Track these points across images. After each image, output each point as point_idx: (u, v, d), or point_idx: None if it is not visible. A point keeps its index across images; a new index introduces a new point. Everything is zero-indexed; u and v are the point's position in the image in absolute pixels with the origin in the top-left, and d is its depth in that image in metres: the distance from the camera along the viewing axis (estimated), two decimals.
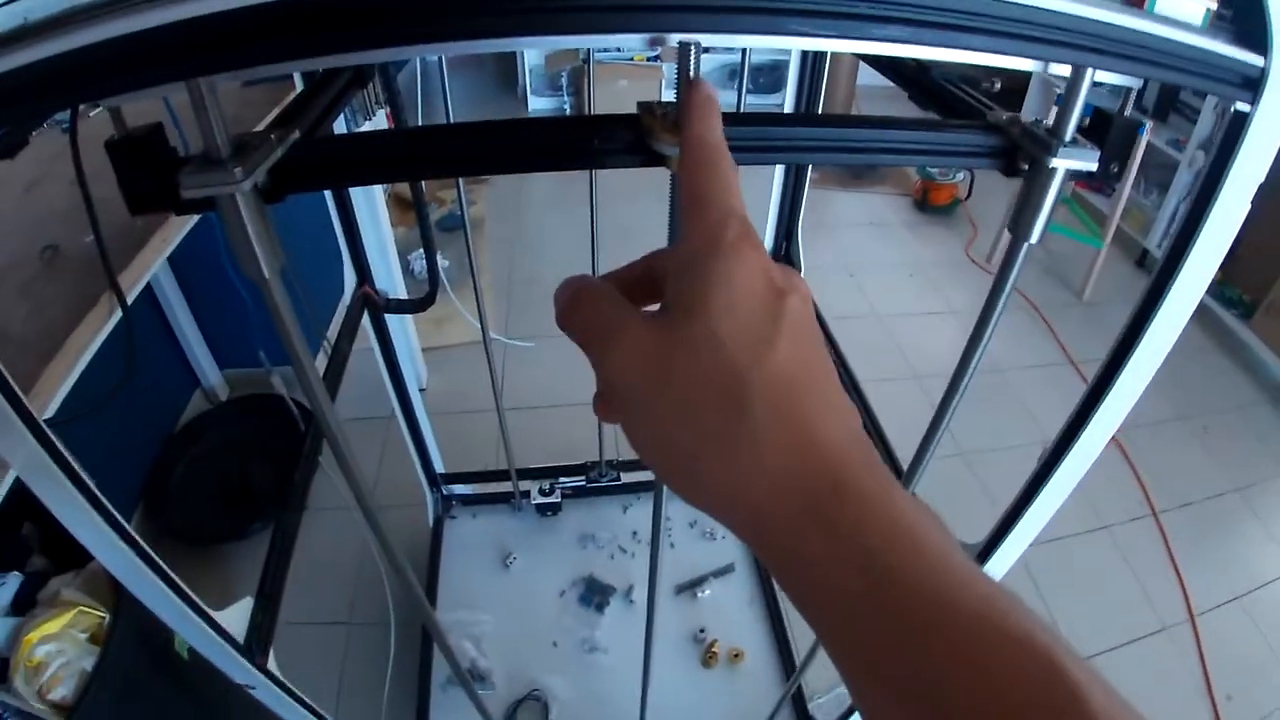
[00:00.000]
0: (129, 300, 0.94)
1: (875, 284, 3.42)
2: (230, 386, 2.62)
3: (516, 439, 1.87)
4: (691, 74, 0.37)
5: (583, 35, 0.35)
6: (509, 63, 5.19)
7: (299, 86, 0.94)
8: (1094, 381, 0.69)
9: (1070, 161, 0.46)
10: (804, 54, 1.26)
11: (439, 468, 2.02)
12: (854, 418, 0.29)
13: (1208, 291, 0.58)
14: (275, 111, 1.19)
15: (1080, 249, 3.33)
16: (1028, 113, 0.64)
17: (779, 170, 1.43)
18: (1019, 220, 0.49)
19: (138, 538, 0.63)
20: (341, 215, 1.33)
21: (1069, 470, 0.74)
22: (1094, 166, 0.47)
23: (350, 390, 1.34)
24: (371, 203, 1.49)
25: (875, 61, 0.71)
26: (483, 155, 0.46)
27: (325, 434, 0.58)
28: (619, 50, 4.72)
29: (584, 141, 0.44)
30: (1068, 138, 0.46)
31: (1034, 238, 0.50)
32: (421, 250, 2.61)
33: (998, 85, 0.61)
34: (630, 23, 0.34)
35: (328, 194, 1.30)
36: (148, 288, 2.21)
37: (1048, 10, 0.37)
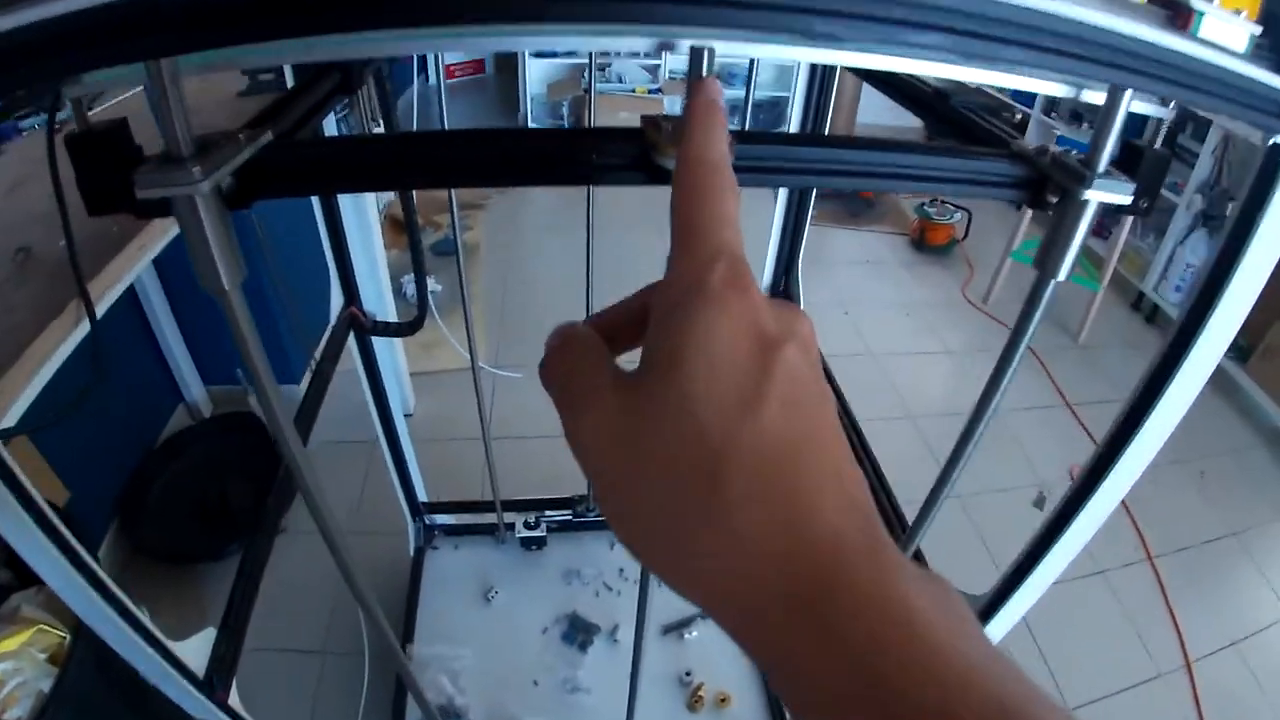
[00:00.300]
0: (102, 309, 0.90)
1: (871, 322, 3.40)
2: (214, 403, 2.56)
3: (503, 470, 1.82)
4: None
5: (584, 26, 0.31)
6: (510, 90, 5.22)
7: None
8: (1106, 442, 0.65)
9: (1104, 194, 0.42)
10: (810, 79, 1.23)
11: (422, 496, 1.97)
12: (858, 486, 0.25)
13: None
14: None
15: (1077, 291, 3.33)
16: None
17: (780, 204, 1.40)
18: (1047, 256, 0.46)
19: (89, 559, 0.59)
20: (331, 232, 1.29)
21: (1079, 531, 0.71)
22: (1128, 199, 0.44)
23: (335, 411, 1.30)
24: (364, 221, 1.46)
25: (890, 85, 0.68)
26: (471, 164, 0.42)
27: (288, 463, 0.53)
28: (620, 80, 4.76)
29: (581, 154, 0.40)
30: (1101, 168, 0.42)
31: (1062, 274, 0.47)
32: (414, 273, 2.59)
33: (1019, 116, 0.58)
34: (636, 15, 0.30)
35: (318, 210, 1.27)
36: (133, 296, 2.16)
37: (1093, 26, 0.33)
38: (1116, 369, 3.18)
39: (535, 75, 4.88)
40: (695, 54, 0.33)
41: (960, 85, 0.60)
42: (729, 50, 0.34)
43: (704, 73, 0.33)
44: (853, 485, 0.24)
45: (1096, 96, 0.42)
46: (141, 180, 0.37)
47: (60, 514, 0.57)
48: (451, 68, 5.59)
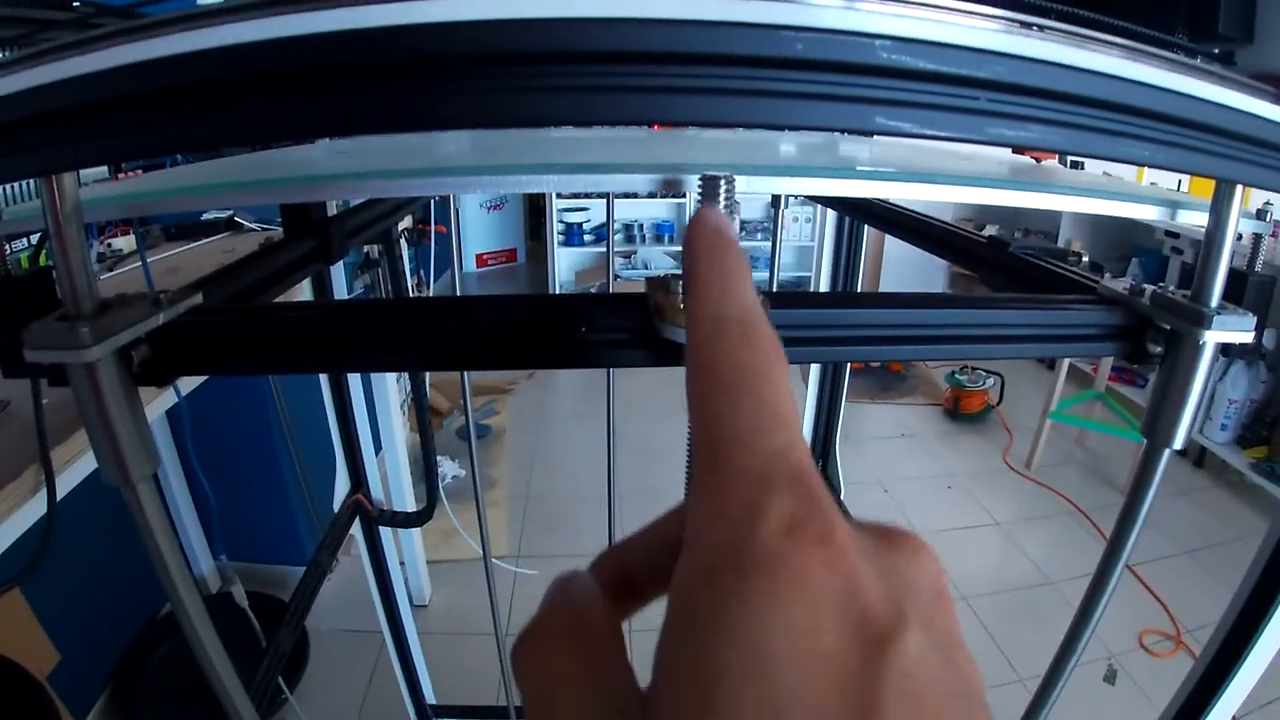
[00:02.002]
0: (77, 478, 0.82)
1: (913, 499, 3.23)
2: (223, 579, 2.43)
3: None
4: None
5: (574, 117, 0.24)
6: (540, 277, 5.41)
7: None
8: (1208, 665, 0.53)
9: (1226, 333, 0.34)
10: (839, 233, 1.18)
11: (430, 698, 1.80)
12: None
13: (1256, 471, 0.45)
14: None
15: (1120, 445, 3.17)
16: None
17: (813, 379, 1.32)
18: (1158, 419, 0.37)
19: None
20: (338, 409, 1.23)
21: None
22: (1251, 335, 0.35)
23: (346, 597, 1.18)
24: (382, 401, 1.41)
25: (932, 239, 0.61)
26: (430, 341, 0.34)
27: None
28: (646, 267, 4.92)
29: (564, 326, 0.32)
30: (1215, 302, 0.34)
31: (1179, 441, 0.37)
32: (444, 457, 2.52)
33: (1085, 258, 0.50)
34: (631, 108, 0.23)
35: (325, 388, 1.22)
36: None
37: (1212, 103, 0.26)
38: (1173, 522, 2.95)
39: (564, 264, 5.07)
40: (709, 183, 0.26)
41: (1021, 234, 0.53)
42: (754, 188, 0.26)
43: (723, 200, 0.25)
44: None
45: (1194, 217, 0.35)
46: (30, 339, 0.30)
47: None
48: (484, 255, 5.85)
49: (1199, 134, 0.26)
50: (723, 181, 0.24)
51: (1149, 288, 0.37)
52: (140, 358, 0.32)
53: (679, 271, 0.28)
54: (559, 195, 4.81)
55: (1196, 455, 3.36)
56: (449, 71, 0.21)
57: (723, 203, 0.25)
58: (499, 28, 0.20)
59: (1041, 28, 0.22)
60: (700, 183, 0.23)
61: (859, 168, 0.36)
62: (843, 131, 0.23)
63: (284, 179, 0.34)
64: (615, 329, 0.33)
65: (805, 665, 0.13)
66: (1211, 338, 0.34)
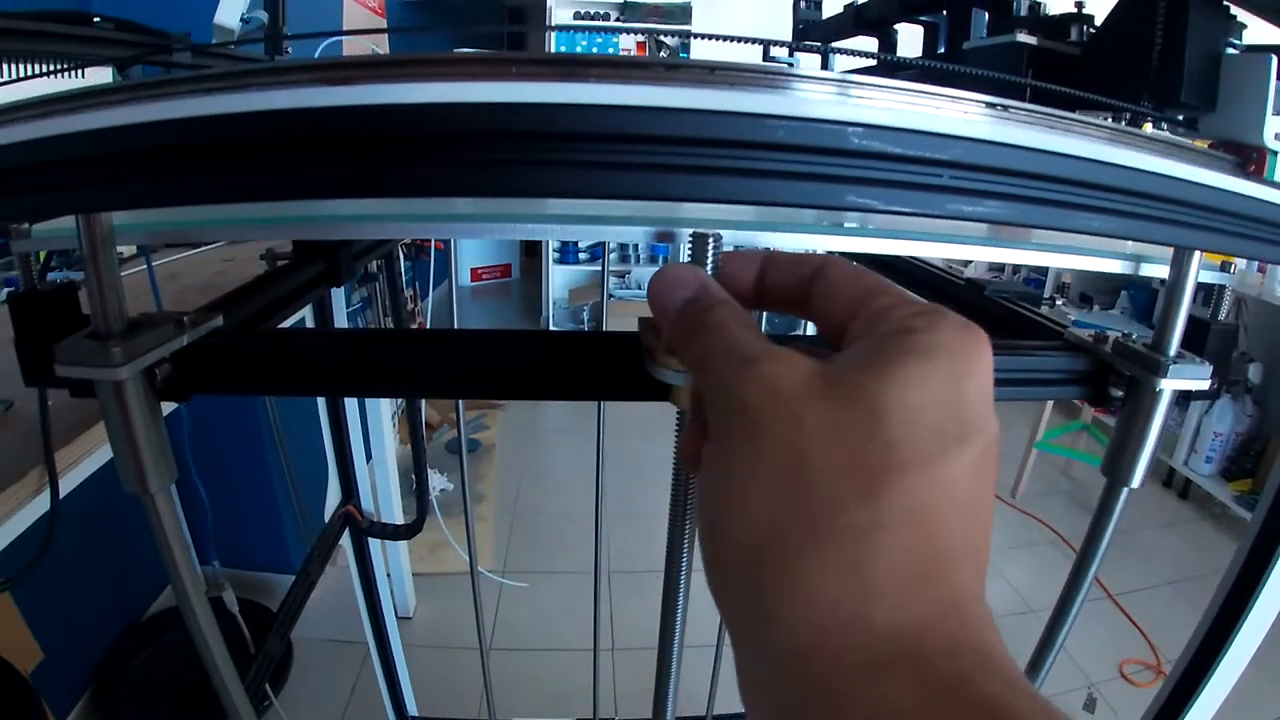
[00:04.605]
0: (79, 477, 0.83)
1: None
2: (212, 585, 2.42)
3: (503, 685, 1.65)
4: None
5: (593, 191, 0.26)
6: (534, 294, 5.43)
7: None
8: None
9: (1181, 381, 0.36)
10: None
11: (412, 710, 1.79)
12: (983, 573, 0.23)
13: (1240, 503, 0.47)
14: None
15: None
16: None
17: None
18: (1118, 460, 0.39)
19: None
20: (332, 422, 1.25)
21: None
22: (1206, 384, 0.37)
23: (331, 607, 1.19)
24: (377, 415, 1.42)
25: (912, 278, 0.64)
26: (439, 372, 0.36)
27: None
28: (639, 288, 4.95)
29: (563, 363, 0.35)
30: (1173, 351, 0.37)
31: (1136, 480, 0.39)
32: (432, 470, 2.53)
33: (1059, 302, 0.53)
34: (639, 184, 0.25)
35: (321, 400, 1.23)
36: None
37: (1170, 178, 0.28)
38: (1156, 553, 2.97)
39: (558, 281, 5.09)
40: (699, 240, 0.28)
41: (995, 274, 0.56)
42: (743, 239, 0.29)
43: (711, 260, 0.28)
44: (983, 570, 0.23)
45: (1157, 270, 0.37)
46: (61, 354, 0.32)
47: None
48: (478, 270, 5.87)
49: (1154, 204, 0.29)
50: (711, 239, 0.27)
51: (1112, 334, 0.39)
52: (163, 375, 0.35)
53: None
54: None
55: (1181, 487, 3.39)
56: (502, 145, 0.24)
57: (710, 260, 0.28)
58: (541, 110, 0.23)
59: (1005, 107, 0.24)
60: (690, 239, 0.25)
61: (845, 225, 0.39)
62: (817, 209, 0.26)
63: (306, 217, 0.37)
64: (609, 362, 0.35)
65: (951, 391, 0.22)
66: (1168, 385, 0.36)
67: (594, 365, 0.34)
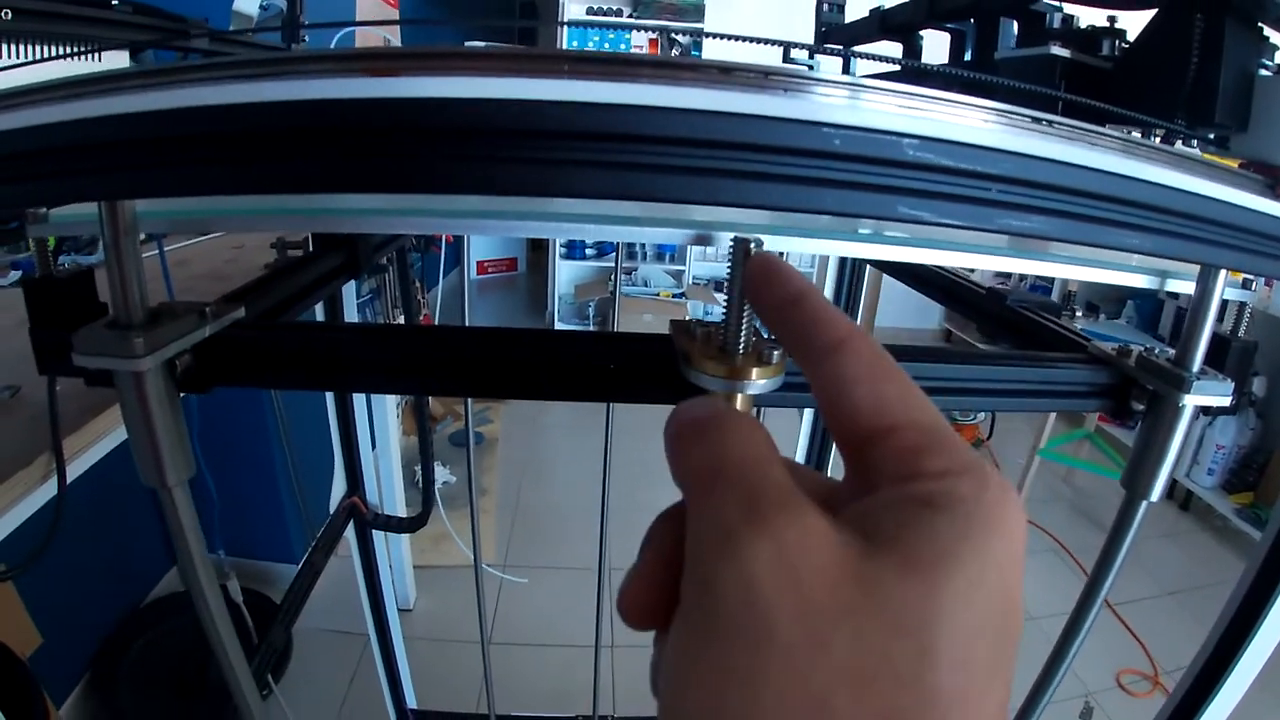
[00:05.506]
0: (86, 463, 0.83)
1: None
2: (218, 574, 2.42)
3: (503, 679, 1.65)
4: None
5: (648, 194, 0.26)
6: (540, 288, 5.43)
7: None
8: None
9: (1204, 397, 0.36)
10: (839, 276, 1.21)
11: (411, 702, 1.80)
12: None
13: (1241, 516, 0.48)
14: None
15: (1108, 484, 3.18)
16: None
17: (806, 421, 1.35)
18: (1138, 472, 0.39)
19: None
20: (339, 415, 1.25)
21: None
22: (1229, 400, 0.37)
23: (333, 597, 1.18)
24: (382, 406, 1.42)
25: (934, 287, 0.64)
26: (464, 371, 0.36)
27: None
28: (645, 285, 4.94)
29: (595, 361, 0.34)
30: (1196, 367, 0.36)
31: (1155, 494, 0.39)
32: (435, 462, 2.53)
33: (1079, 313, 0.53)
34: (694, 188, 0.25)
35: (328, 393, 1.23)
36: None
37: (1204, 197, 0.28)
38: (1156, 563, 2.97)
39: (564, 276, 5.08)
40: (739, 245, 0.27)
41: (1000, 281, 0.56)
42: (783, 246, 0.29)
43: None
44: None
45: (1183, 286, 0.37)
46: (80, 343, 0.31)
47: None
48: (484, 263, 5.87)
49: (1189, 222, 0.28)
50: (752, 244, 0.26)
51: (1136, 349, 0.39)
52: (183, 366, 0.34)
53: (698, 319, 0.31)
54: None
55: (1182, 499, 3.38)
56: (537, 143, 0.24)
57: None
58: (599, 111, 0.23)
59: (1050, 123, 0.24)
60: (731, 243, 0.25)
61: (886, 233, 0.38)
62: (870, 218, 0.25)
63: (327, 210, 0.36)
64: (641, 364, 0.35)
65: (1002, 587, 0.19)
66: (1191, 401, 0.36)
67: (620, 368, 0.34)
